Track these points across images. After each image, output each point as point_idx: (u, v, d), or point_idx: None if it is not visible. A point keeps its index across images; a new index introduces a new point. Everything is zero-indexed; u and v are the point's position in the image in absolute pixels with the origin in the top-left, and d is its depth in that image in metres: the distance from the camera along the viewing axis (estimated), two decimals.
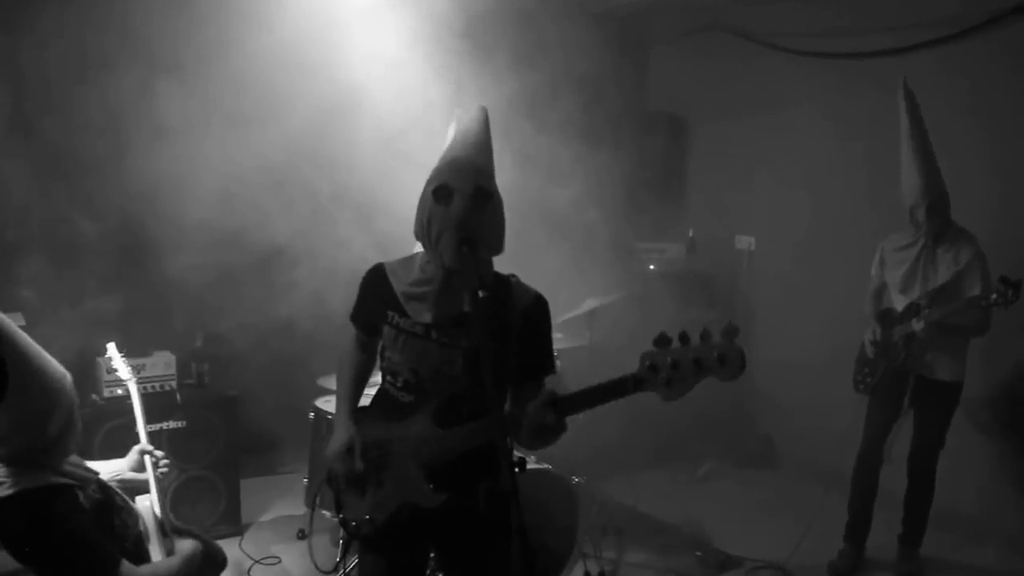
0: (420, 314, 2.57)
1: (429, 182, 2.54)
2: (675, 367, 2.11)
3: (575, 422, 4.62)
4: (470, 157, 2.57)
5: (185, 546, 3.12)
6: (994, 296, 4.25)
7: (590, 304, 4.99)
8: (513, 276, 2.66)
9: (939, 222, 4.53)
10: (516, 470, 2.17)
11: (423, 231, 2.52)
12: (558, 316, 5.04)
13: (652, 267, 6.83)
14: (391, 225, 5.03)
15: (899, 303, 4.76)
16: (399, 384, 2.63)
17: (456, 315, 2.53)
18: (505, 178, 5.13)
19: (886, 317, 4.83)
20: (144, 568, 2.83)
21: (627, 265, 6.77)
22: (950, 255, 4.55)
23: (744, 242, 6.87)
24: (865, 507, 4.90)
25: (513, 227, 4.98)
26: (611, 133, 6.54)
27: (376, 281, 2.70)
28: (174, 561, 3.00)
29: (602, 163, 5.80)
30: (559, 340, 5.16)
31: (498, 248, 2.60)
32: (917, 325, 4.52)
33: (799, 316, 6.44)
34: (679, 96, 7.46)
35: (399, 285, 2.64)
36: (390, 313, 2.62)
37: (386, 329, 2.64)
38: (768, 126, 6.66)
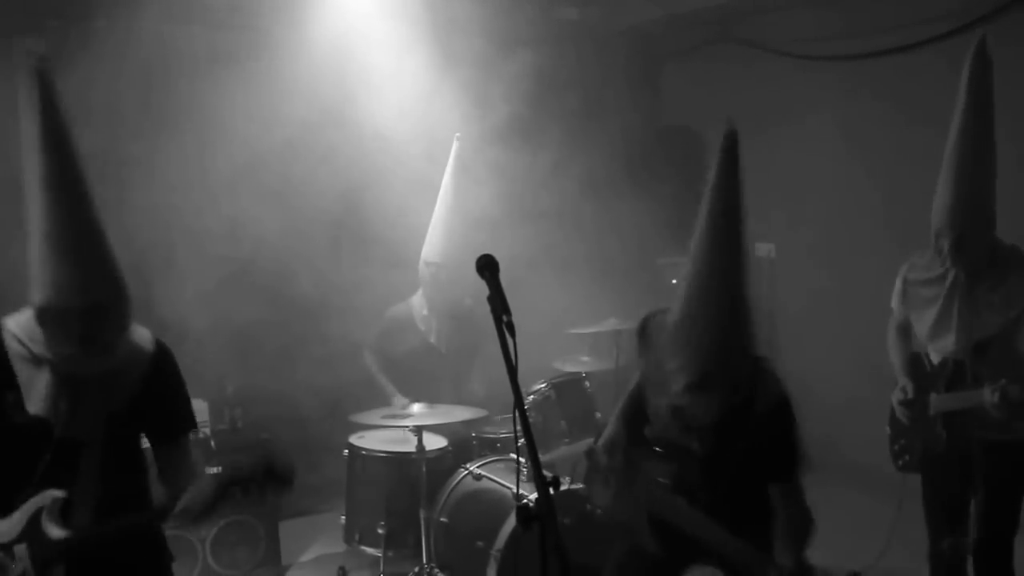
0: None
1: None
2: None
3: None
4: None
5: None
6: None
7: (612, 324, 4.98)
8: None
9: (968, 258, 3.36)
10: (551, 490, 2.16)
11: None
12: (580, 329, 5.05)
13: (675, 281, 6.81)
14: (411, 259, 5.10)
15: (932, 353, 3.64)
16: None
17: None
18: (528, 196, 5.23)
19: (918, 368, 3.70)
20: None
21: (650, 281, 6.76)
22: (998, 296, 3.34)
23: (764, 249, 6.84)
24: None
25: (535, 244, 5.01)
26: (628, 149, 6.57)
27: None
28: None
29: (620, 180, 5.83)
30: (586, 363, 5.16)
31: None
32: (992, 399, 3.25)
33: (823, 321, 6.40)
34: (694, 109, 7.47)
35: None
36: None
37: None
38: (783, 132, 6.65)
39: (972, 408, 3.38)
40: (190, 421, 2.73)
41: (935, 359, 3.61)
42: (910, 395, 3.63)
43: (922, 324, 3.59)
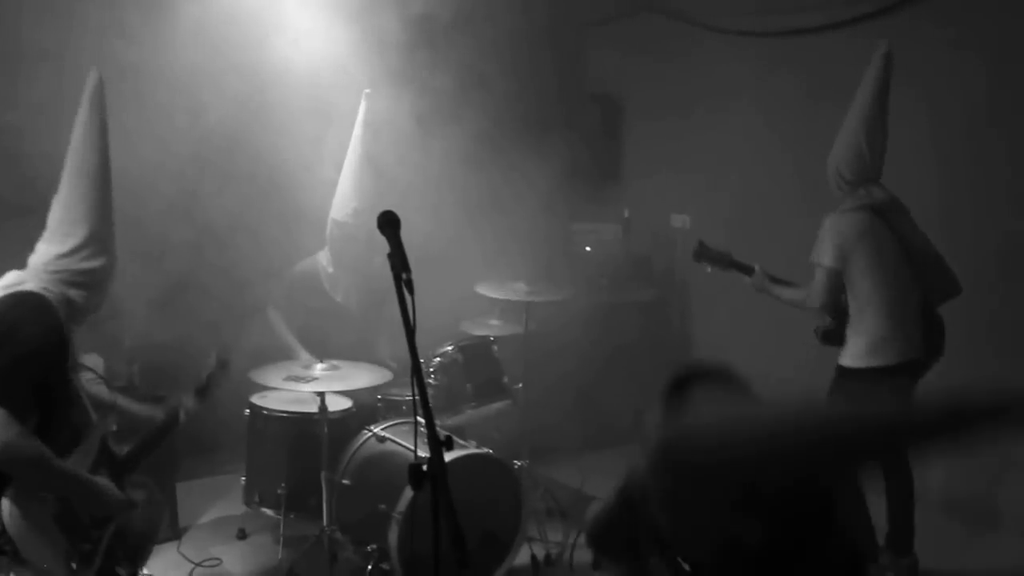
0: None
1: None
2: None
3: (517, 407, 4.55)
4: None
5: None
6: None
7: (522, 288, 4.94)
8: None
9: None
10: (445, 450, 2.13)
11: None
12: (489, 291, 5.02)
13: (588, 248, 6.83)
14: (314, 214, 5.00)
15: None
16: None
17: None
18: (442, 159, 5.15)
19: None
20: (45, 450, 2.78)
21: (562, 246, 6.77)
22: None
23: (679, 220, 6.89)
24: None
25: (449, 207, 4.94)
26: (547, 116, 6.53)
27: None
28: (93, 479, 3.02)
29: (537, 146, 5.78)
30: (496, 327, 5.13)
31: None
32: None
33: (735, 290, 6.47)
34: (615, 78, 7.47)
35: None
36: None
37: None
38: (701, 105, 6.68)
39: None
40: None
41: None
42: None
43: None
